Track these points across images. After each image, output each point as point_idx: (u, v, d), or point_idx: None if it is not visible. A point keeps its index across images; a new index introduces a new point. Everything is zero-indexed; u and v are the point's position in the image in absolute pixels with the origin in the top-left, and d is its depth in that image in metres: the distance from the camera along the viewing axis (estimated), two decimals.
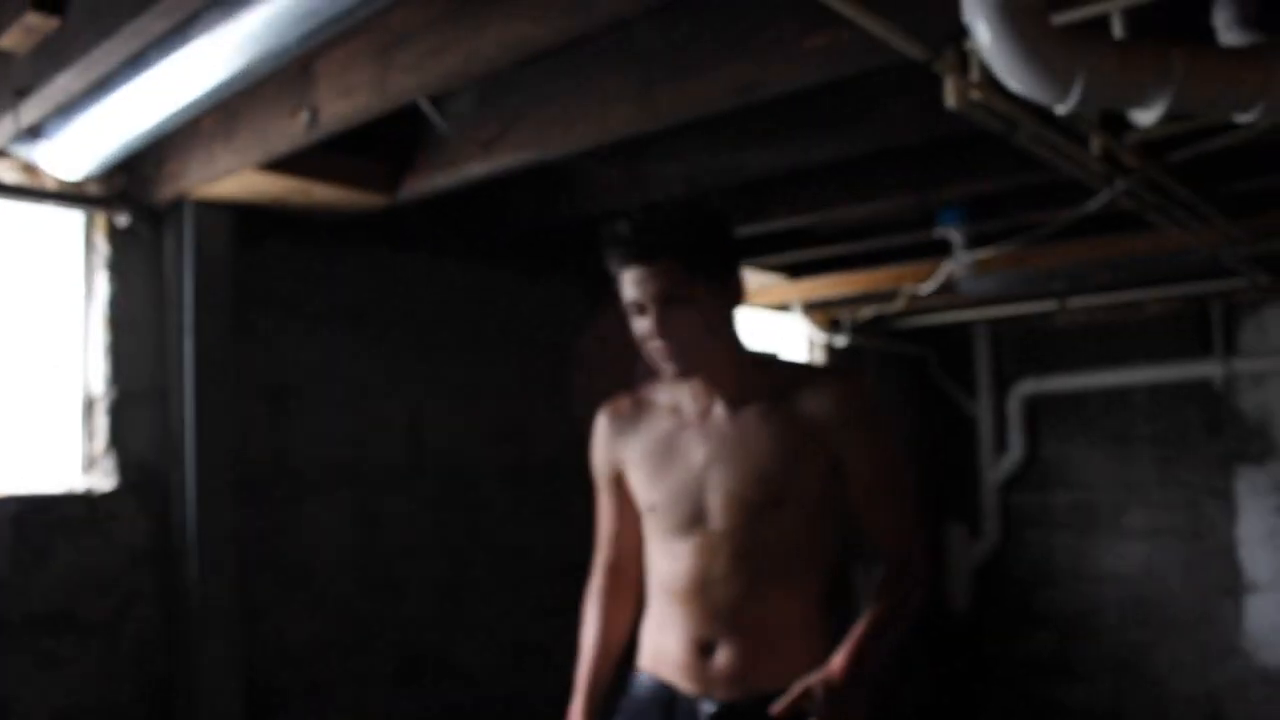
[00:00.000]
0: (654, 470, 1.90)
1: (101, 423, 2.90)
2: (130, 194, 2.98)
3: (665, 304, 1.73)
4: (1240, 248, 3.94)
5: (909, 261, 4.33)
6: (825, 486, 1.82)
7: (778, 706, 1.62)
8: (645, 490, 1.92)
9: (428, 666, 3.52)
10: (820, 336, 5.54)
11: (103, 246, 2.95)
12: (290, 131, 2.53)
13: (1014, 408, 6.28)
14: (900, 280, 4.58)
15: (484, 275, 3.84)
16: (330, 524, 3.32)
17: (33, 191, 2.80)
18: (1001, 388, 6.37)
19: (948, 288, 4.29)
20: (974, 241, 3.73)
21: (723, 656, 1.81)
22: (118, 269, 2.95)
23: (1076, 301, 5.12)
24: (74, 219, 2.96)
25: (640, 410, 1.97)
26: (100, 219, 2.96)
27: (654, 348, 1.78)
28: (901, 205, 3.30)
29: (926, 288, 4.30)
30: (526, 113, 2.70)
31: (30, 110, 2.45)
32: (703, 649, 1.83)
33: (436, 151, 2.91)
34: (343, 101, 2.41)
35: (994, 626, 6.39)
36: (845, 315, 5.50)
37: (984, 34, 1.73)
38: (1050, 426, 6.27)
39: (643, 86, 2.42)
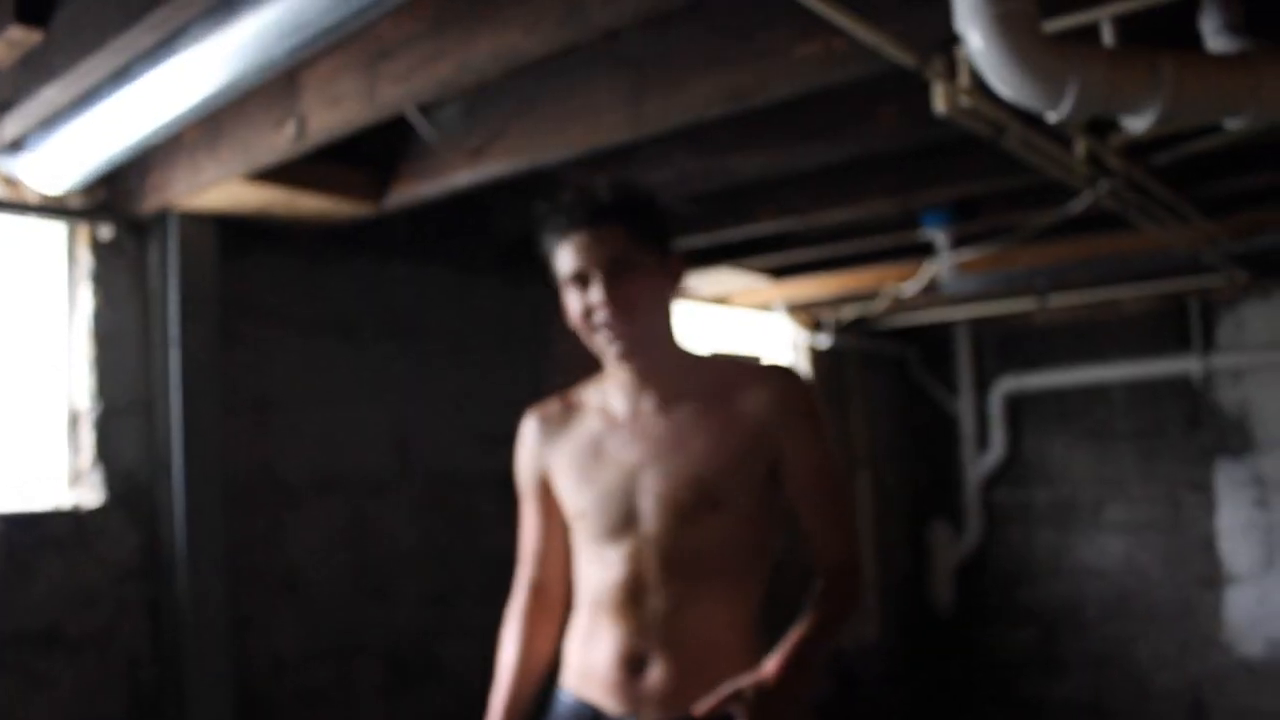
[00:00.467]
0: (582, 473, 1.78)
1: (87, 437, 2.87)
2: (113, 206, 2.95)
3: (613, 270, 1.64)
4: (1219, 245, 3.99)
5: (891, 262, 4.35)
6: (764, 488, 1.72)
7: (702, 706, 1.51)
8: (573, 495, 1.79)
9: (417, 674, 3.51)
10: (802, 336, 5.55)
11: (86, 259, 2.92)
12: (276, 143, 2.52)
13: (995, 405, 6.32)
14: (883, 281, 4.60)
15: (469, 282, 3.83)
16: (318, 533, 3.30)
17: (13, 205, 2.77)
18: (982, 385, 6.41)
19: (930, 287, 4.31)
20: (957, 242, 3.75)
21: (655, 673, 1.69)
22: (101, 282, 2.92)
23: (1057, 299, 5.16)
24: (56, 232, 2.92)
25: (568, 412, 1.85)
26: (83, 231, 2.93)
27: (599, 321, 1.66)
28: (886, 208, 3.31)
29: (910, 288, 4.32)
30: (514, 121, 2.69)
31: (12, 124, 2.43)
32: (633, 665, 1.70)
33: (423, 160, 2.90)
34: (330, 112, 2.39)
35: (977, 622, 6.42)
36: (828, 315, 5.52)
37: (976, 42, 1.74)
38: (1031, 423, 6.32)
39: (632, 94, 2.42)
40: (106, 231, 2.93)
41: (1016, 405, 6.34)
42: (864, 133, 2.70)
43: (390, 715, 3.43)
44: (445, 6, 2.12)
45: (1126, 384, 5.97)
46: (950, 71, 2.20)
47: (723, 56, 2.27)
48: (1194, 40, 2.05)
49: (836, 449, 1.77)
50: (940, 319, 5.82)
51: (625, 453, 1.75)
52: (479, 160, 2.75)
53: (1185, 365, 5.69)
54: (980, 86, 2.21)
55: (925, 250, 4.06)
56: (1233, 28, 1.98)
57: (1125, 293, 5.17)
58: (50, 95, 2.23)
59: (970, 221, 3.60)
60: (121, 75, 2.17)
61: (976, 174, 3.09)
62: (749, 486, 1.70)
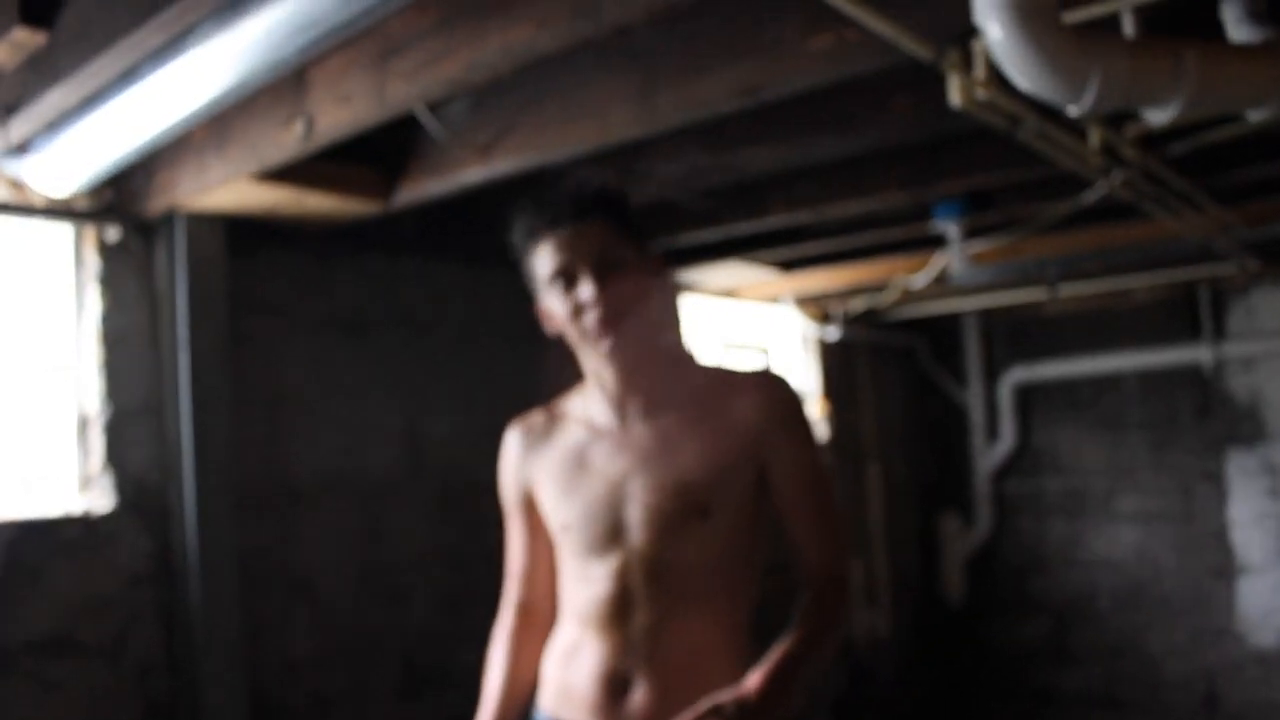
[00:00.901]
0: (566, 485, 1.71)
1: (97, 441, 2.85)
2: (120, 207, 2.93)
3: (600, 266, 1.58)
4: (1233, 233, 3.96)
5: (902, 254, 4.32)
6: (752, 497, 1.67)
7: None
8: (557, 508, 1.73)
9: (431, 677, 3.50)
10: (811, 329, 5.53)
11: (93, 261, 2.90)
12: (285, 142, 2.49)
13: (1005, 396, 6.30)
14: (892, 272, 4.57)
15: (480, 277, 3.81)
16: (331, 535, 3.28)
17: (19, 207, 2.75)
18: (992, 376, 6.38)
19: (940, 278, 4.29)
20: (969, 234, 3.72)
21: (639, 695, 1.62)
22: (109, 284, 2.90)
23: (1067, 289, 5.13)
24: (63, 234, 2.90)
25: (552, 424, 1.79)
26: (90, 233, 2.91)
27: (589, 321, 1.60)
28: (899, 201, 3.28)
29: (920, 280, 4.29)
30: (523, 116, 2.66)
31: (18, 126, 2.41)
32: (616, 685, 1.64)
33: (431, 157, 2.88)
34: (339, 111, 2.37)
35: (989, 613, 6.41)
36: (836, 307, 5.50)
37: (996, 34, 1.71)
38: (1041, 413, 6.29)
39: (643, 88, 2.39)
40: (113, 233, 2.91)
41: (1026, 395, 6.32)
42: (877, 125, 2.67)
43: (404, 718, 3.41)
44: (455, 3, 2.09)
45: (1137, 373, 5.94)
46: (966, 64, 2.17)
47: (734, 50, 2.24)
48: (1215, 30, 2.02)
49: (823, 458, 1.72)
50: (949, 309, 5.79)
51: (610, 463, 1.69)
52: (488, 157, 2.72)
53: (1196, 354, 5.66)
54: (996, 78, 2.19)
55: (936, 241, 4.03)
56: (1255, 16, 1.95)
57: (1136, 282, 5.14)
58: (56, 97, 2.21)
59: (983, 213, 3.57)
60: (128, 76, 2.14)
61: (990, 165, 3.06)
62: (738, 495, 1.65)
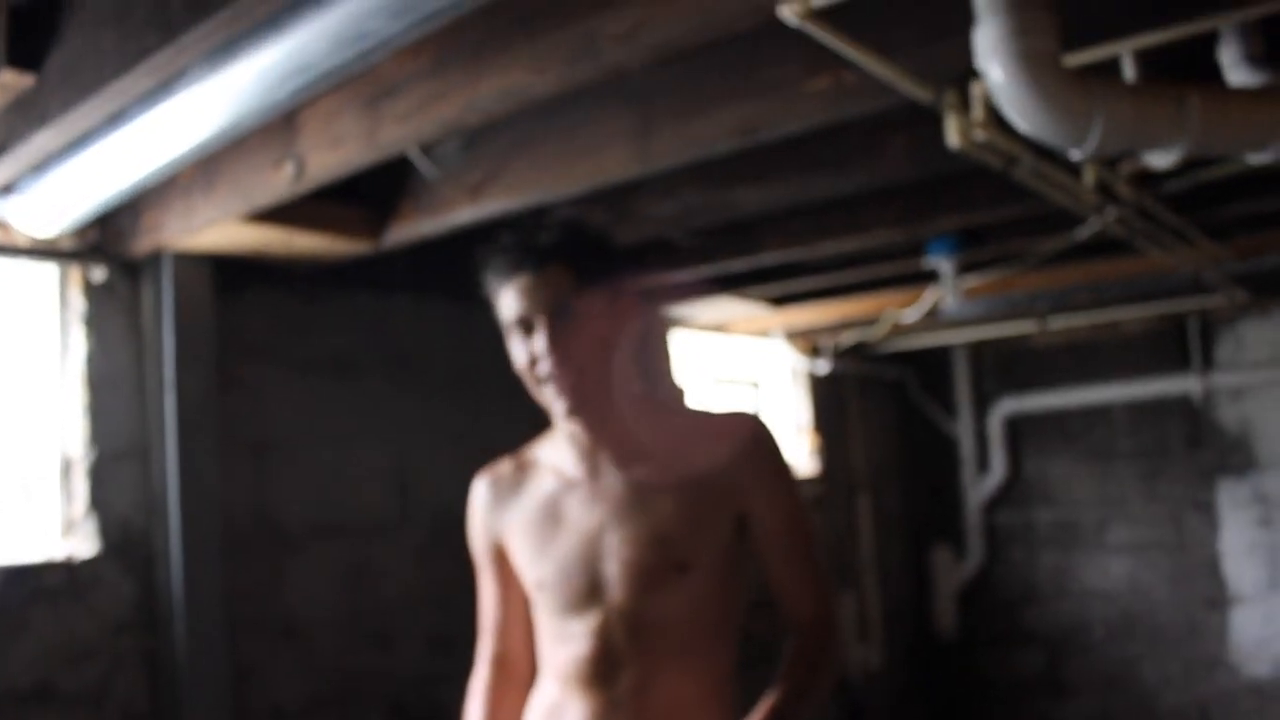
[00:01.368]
0: (540, 540, 1.64)
1: (80, 485, 2.80)
2: (105, 247, 2.89)
3: (556, 317, 1.51)
4: (1222, 267, 3.97)
5: (893, 288, 4.31)
6: (731, 546, 1.60)
7: None
8: (531, 565, 1.65)
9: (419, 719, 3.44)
10: (801, 362, 5.51)
11: (78, 302, 2.85)
12: (274, 183, 2.46)
13: (995, 427, 6.29)
14: (883, 307, 4.57)
15: (470, 315, 3.76)
16: (318, 579, 3.23)
17: (2, 248, 2.71)
18: (982, 407, 6.37)
19: (931, 312, 4.28)
20: (962, 269, 3.71)
21: None
22: (94, 325, 2.85)
23: (1057, 321, 5.13)
24: (47, 274, 2.86)
25: (521, 473, 1.71)
26: (75, 274, 2.86)
27: (543, 373, 1.54)
28: (892, 238, 3.27)
29: (912, 315, 4.28)
30: (515, 156, 2.64)
31: (4, 167, 2.37)
32: None
33: (422, 197, 2.85)
34: (330, 153, 2.34)
35: (982, 645, 6.37)
36: (826, 341, 5.48)
37: (998, 78, 1.70)
38: (1031, 445, 6.28)
39: (639, 128, 2.38)
40: (99, 273, 2.87)
41: (1016, 426, 6.31)
42: (872, 165, 2.66)
43: None
44: (448, 45, 2.07)
45: (1127, 404, 5.94)
46: (964, 105, 2.16)
47: (732, 91, 2.23)
48: (1213, 72, 2.01)
49: (803, 500, 1.65)
50: (939, 342, 5.78)
51: (584, 516, 1.61)
52: (479, 197, 2.70)
53: (1185, 384, 5.67)
54: (994, 119, 2.18)
55: (927, 276, 4.03)
56: (1253, 59, 1.95)
57: (1125, 314, 5.15)
58: (42, 140, 2.17)
59: (976, 249, 3.56)
60: (116, 119, 2.11)
61: (983, 203, 3.05)
62: (717, 545, 1.58)
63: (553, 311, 1.52)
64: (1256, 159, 1.88)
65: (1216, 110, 1.74)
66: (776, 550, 1.60)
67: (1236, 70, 1.94)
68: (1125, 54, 1.88)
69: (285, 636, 3.13)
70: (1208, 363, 5.68)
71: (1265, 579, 5.51)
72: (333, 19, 1.65)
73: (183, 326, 2.89)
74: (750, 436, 1.60)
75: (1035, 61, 1.65)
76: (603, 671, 1.58)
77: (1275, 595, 5.48)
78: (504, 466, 1.75)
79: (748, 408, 1.75)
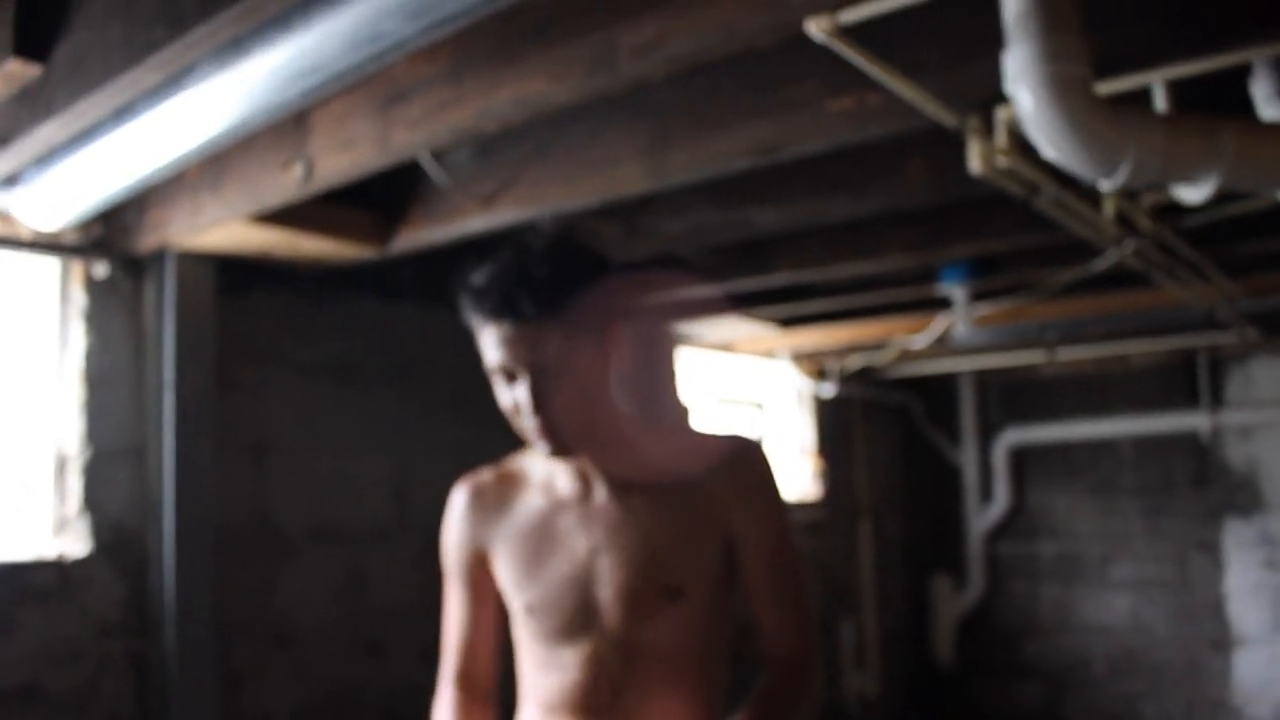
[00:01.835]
0: (529, 563, 1.56)
1: (74, 483, 2.75)
2: (109, 243, 2.85)
3: (540, 375, 1.42)
4: (1236, 304, 3.92)
5: (902, 314, 4.26)
6: (723, 572, 1.54)
7: None
8: (520, 587, 1.57)
9: None
10: (806, 384, 5.46)
11: (79, 298, 2.81)
12: (283, 185, 2.42)
13: (999, 457, 6.24)
14: (891, 332, 4.52)
15: None
16: (313, 585, 3.18)
17: (5, 240, 2.67)
18: (987, 437, 6.32)
19: (940, 339, 4.23)
20: (974, 297, 3.67)
21: None
22: (94, 321, 2.81)
23: (1065, 352, 5.08)
24: (49, 268, 2.82)
25: (508, 487, 1.63)
26: (77, 269, 2.82)
27: (527, 426, 1.45)
28: (906, 263, 3.23)
29: (922, 341, 4.23)
30: (528, 167, 2.60)
31: (7, 159, 2.33)
32: None
33: (432, 203, 2.81)
34: (340, 156, 2.30)
35: (980, 676, 6.30)
36: (833, 364, 5.44)
37: (1027, 104, 1.65)
38: (1036, 476, 6.23)
39: (655, 143, 2.34)
40: (102, 269, 2.83)
41: (1021, 457, 6.25)
42: (890, 187, 2.62)
43: None
44: (465, 51, 2.03)
45: (1133, 439, 5.89)
46: (987, 130, 2.12)
47: (751, 108, 2.19)
48: (1245, 106, 1.97)
49: (792, 531, 1.58)
50: (945, 369, 5.74)
51: (577, 539, 1.54)
52: (491, 206, 2.66)
53: (1193, 421, 5.62)
54: (1017, 145, 2.14)
55: (937, 302, 3.99)
56: None
57: (1134, 347, 5.10)
58: (47, 131, 2.13)
59: (989, 277, 3.52)
60: (123, 113, 2.07)
61: (1000, 231, 3.01)
62: (710, 569, 1.53)
63: (536, 371, 1.42)
64: None
65: (1250, 145, 1.69)
66: (758, 577, 1.53)
67: (1269, 105, 1.90)
68: (1157, 84, 1.84)
69: (278, 643, 3.08)
70: (1217, 400, 5.63)
71: (1270, 621, 5.44)
72: (347, 19, 1.61)
73: (184, 325, 2.85)
74: (739, 458, 1.54)
75: (1066, 88, 1.60)
76: (595, 700, 1.51)
77: None
78: (486, 477, 1.67)
79: (746, 430, 1.67)
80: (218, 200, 2.60)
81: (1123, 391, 5.89)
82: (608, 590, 1.51)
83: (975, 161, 2.13)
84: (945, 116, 1.95)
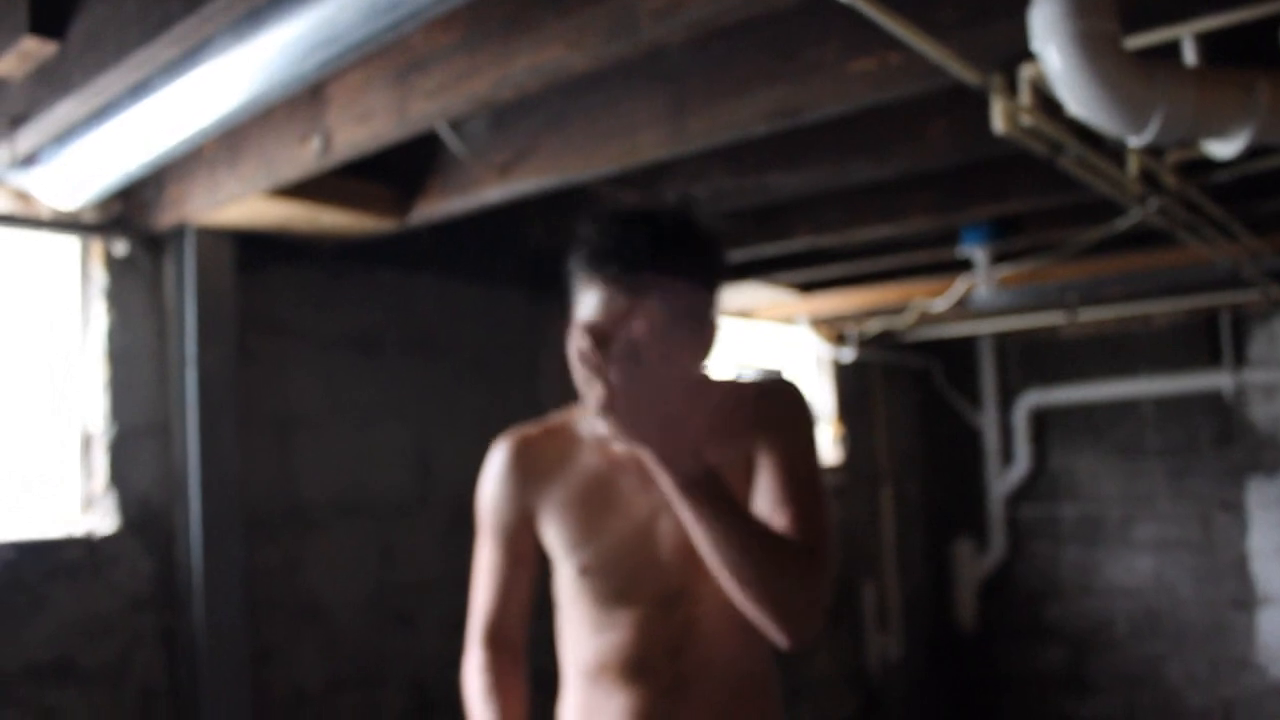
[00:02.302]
0: (586, 522, 1.54)
1: (101, 461, 2.77)
2: (128, 221, 2.85)
3: (630, 347, 1.34)
4: (1260, 261, 3.88)
5: (921, 277, 4.24)
6: None
7: None
8: (576, 547, 1.54)
9: (442, 703, 3.40)
10: (826, 350, 5.44)
11: (99, 276, 2.81)
12: (300, 158, 2.41)
13: (1020, 419, 6.21)
14: (910, 295, 4.49)
15: (496, 296, 3.73)
16: (340, 558, 3.20)
17: (24, 219, 2.67)
18: (1007, 399, 6.30)
19: (959, 301, 4.21)
20: (996, 259, 3.64)
21: None
22: (115, 299, 2.82)
23: (1086, 313, 5.05)
24: (69, 247, 2.82)
25: (557, 445, 1.59)
26: (97, 247, 2.82)
27: (595, 397, 1.34)
28: (928, 225, 3.20)
29: (942, 304, 4.21)
30: (545, 135, 2.58)
31: (26, 137, 2.33)
32: None
33: (450, 174, 2.79)
34: (358, 128, 2.29)
35: (1003, 640, 6.31)
36: (852, 329, 5.41)
37: (1055, 61, 1.63)
38: (1057, 438, 6.20)
39: (673, 109, 2.31)
40: (121, 247, 2.83)
41: (1042, 419, 6.23)
42: (911, 150, 2.59)
43: None
44: (481, 19, 2.01)
45: (1155, 399, 5.86)
46: (1011, 89, 2.09)
47: (770, 71, 2.16)
48: (1274, 58, 1.93)
49: (818, 461, 1.52)
50: (965, 332, 5.70)
51: (637, 498, 1.52)
52: (508, 176, 2.64)
53: (1216, 380, 5.58)
54: (1042, 104, 2.11)
55: (957, 265, 3.96)
56: None
57: (1156, 307, 5.06)
58: (65, 109, 2.13)
59: (1011, 238, 3.49)
60: (140, 89, 2.06)
61: (1023, 191, 2.98)
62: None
63: (628, 341, 1.34)
64: None
65: None
66: (775, 484, 1.46)
67: None
68: (1186, 38, 1.81)
69: (306, 616, 3.10)
70: (1240, 359, 5.59)
71: None
72: None
73: (205, 302, 2.85)
74: (771, 394, 1.54)
75: (1095, 43, 1.58)
76: (652, 661, 1.51)
77: None
78: (534, 434, 1.63)
79: (783, 373, 1.63)
80: (235, 175, 2.59)
81: (1144, 351, 5.85)
82: (669, 552, 1.50)
83: (999, 120, 2.10)
84: (969, 75, 1.92)
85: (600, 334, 1.37)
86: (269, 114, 2.41)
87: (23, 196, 2.65)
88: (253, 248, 3.01)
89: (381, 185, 2.90)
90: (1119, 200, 2.80)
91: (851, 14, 1.73)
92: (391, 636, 3.30)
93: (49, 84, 2.14)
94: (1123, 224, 3.06)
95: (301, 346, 3.18)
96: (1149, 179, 2.71)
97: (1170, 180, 2.71)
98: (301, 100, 2.38)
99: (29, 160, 2.48)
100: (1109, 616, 5.99)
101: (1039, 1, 1.59)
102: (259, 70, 1.89)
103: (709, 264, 1.46)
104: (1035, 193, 2.96)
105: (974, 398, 6.41)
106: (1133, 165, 2.62)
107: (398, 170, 2.90)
